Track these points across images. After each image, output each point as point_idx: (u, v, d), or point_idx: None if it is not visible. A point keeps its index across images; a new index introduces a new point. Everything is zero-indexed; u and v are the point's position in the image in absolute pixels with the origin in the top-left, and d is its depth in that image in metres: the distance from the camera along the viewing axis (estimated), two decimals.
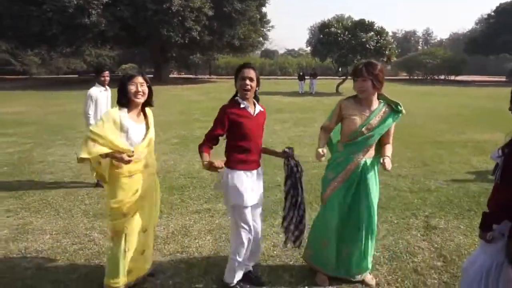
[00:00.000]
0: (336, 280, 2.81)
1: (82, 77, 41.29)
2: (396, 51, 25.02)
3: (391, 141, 2.74)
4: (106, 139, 2.38)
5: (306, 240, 2.90)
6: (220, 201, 4.39)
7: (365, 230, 2.69)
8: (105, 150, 2.39)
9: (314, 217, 3.86)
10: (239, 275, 2.68)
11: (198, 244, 3.45)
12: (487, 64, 56.00)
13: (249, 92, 2.47)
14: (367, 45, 22.76)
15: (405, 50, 56.02)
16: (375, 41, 23.11)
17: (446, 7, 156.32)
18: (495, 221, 1.95)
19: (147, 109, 2.69)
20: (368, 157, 2.67)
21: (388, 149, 2.69)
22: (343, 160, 2.67)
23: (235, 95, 2.55)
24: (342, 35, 23.49)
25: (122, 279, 2.61)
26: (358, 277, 2.79)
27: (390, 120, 2.63)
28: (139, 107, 2.60)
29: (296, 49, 75.90)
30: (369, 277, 2.83)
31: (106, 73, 5.02)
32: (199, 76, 46.29)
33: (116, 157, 2.42)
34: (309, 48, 49.83)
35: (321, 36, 25.00)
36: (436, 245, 3.43)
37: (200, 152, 2.40)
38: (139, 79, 2.51)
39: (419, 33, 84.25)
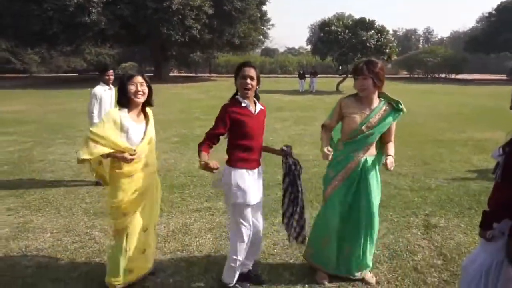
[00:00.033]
0: (336, 278, 2.81)
1: (82, 75, 41.30)
2: (397, 50, 25.03)
3: (392, 139, 2.74)
4: (107, 139, 2.38)
5: (308, 238, 2.90)
6: (221, 199, 4.39)
7: (366, 228, 2.69)
8: (107, 150, 2.39)
9: (314, 216, 3.89)
10: (237, 275, 2.68)
11: (199, 242, 3.45)
12: (488, 62, 55.92)
13: (250, 91, 2.46)
14: (368, 44, 22.76)
15: (406, 49, 56.00)
16: (376, 39, 23.10)
17: (447, 5, 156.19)
18: (495, 220, 1.95)
19: (147, 109, 2.68)
20: (368, 156, 2.66)
21: (391, 148, 2.69)
22: (343, 158, 2.67)
23: (235, 94, 2.55)
24: (342, 33, 23.48)
25: (123, 278, 2.61)
26: (358, 275, 2.80)
27: (390, 118, 2.62)
28: (139, 107, 2.60)
29: (297, 47, 75.95)
30: (369, 275, 2.83)
31: (111, 72, 5.00)
32: (199, 75, 46.28)
33: (118, 157, 2.42)
34: (309, 46, 49.88)
35: (322, 34, 25.00)
36: (436, 244, 3.43)
37: (199, 151, 2.39)
38: (139, 79, 2.50)
39: (420, 31, 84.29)
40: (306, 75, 24.35)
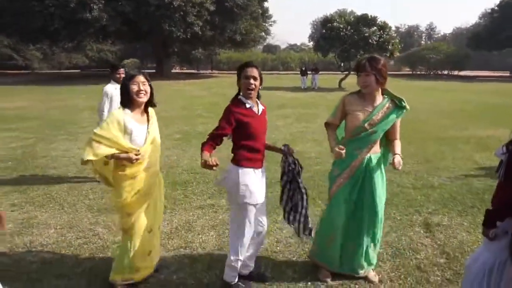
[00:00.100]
0: (339, 276, 2.82)
1: (84, 72, 41.32)
2: (399, 46, 24.93)
3: (398, 137, 2.73)
4: (111, 141, 2.39)
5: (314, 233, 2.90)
6: (224, 196, 4.40)
7: (370, 227, 2.69)
8: (111, 151, 2.39)
9: (316, 212, 3.89)
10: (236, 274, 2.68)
11: (202, 239, 3.47)
12: (491, 59, 55.65)
13: (253, 91, 2.46)
14: (370, 40, 22.67)
15: (408, 45, 55.69)
16: (378, 36, 23.01)
17: (449, 2, 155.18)
18: (499, 218, 1.95)
19: (150, 109, 2.67)
20: (373, 153, 2.65)
21: (397, 147, 2.67)
22: (347, 156, 2.66)
23: (238, 94, 2.54)
24: (344, 30, 23.38)
25: (128, 276, 2.63)
26: (362, 273, 2.80)
27: (393, 116, 2.61)
28: (142, 107, 2.59)
29: (299, 44, 75.81)
30: (372, 274, 2.83)
31: (121, 70, 4.97)
32: (201, 71, 46.25)
33: (122, 157, 2.42)
34: (311, 43, 49.71)
35: (324, 31, 24.90)
36: (439, 242, 3.43)
37: (202, 151, 2.35)
38: (141, 78, 2.50)
39: (422, 27, 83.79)
40: (308, 72, 24.29)
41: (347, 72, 24.29)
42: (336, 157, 2.54)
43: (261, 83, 2.51)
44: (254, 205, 2.51)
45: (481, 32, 43.16)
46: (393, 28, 26.56)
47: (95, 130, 2.43)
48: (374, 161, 2.65)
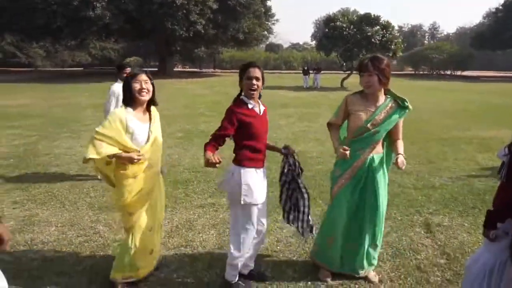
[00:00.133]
0: (339, 276, 2.82)
1: (87, 70, 41.42)
2: (402, 46, 24.82)
3: (400, 137, 2.71)
4: (113, 139, 2.39)
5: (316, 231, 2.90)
6: (224, 195, 4.40)
7: (372, 227, 2.68)
8: (114, 149, 2.40)
9: (317, 212, 3.89)
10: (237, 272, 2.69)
11: (202, 238, 3.47)
12: (494, 59, 55.40)
13: (255, 92, 2.47)
14: (373, 40, 22.61)
15: (411, 45, 55.49)
16: (381, 35, 22.94)
17: (453, 1, 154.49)
18: (499, 220, 1.95)
19: (153, 108, 2.68)
20: (375, 154, 2.64)
21: (400, 147, 2.65)
22: (349, 156, 2.66)
23: (240, 94, 2.54)
24: (347, 29, 23.33)
25: (128, 274, 2.64)
26: (362, 273, 2.80)
27: (396, 116, 2.60)
28: (144, 106, 2.60)
29: (301, 43, 75.57)
30: (372, 274, 2.83)
31: (128, 69, 4.99)
32: (204, 70, 46.27)
33: (124, 157, 2.42)
34: (314, 42, 49.49)
35: (326, 30, 24.85)
36: (439, 243, 3.42)
37: (205, 151, 2.35)
38: (143, 77, 2.52)
39: (426, 27, 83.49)
40: (310, 71, 24.26)
41: (349, 72, 24.25)
42: (341, 158, 2.53)
43: (263, 83, 2.51)
44: (256, 205, 2.51)
45: (485, 31, 42.92)
46: (396, 28, 26.46)
47: (97, 129, 2.44)
48: (377, 161, 2.64)
